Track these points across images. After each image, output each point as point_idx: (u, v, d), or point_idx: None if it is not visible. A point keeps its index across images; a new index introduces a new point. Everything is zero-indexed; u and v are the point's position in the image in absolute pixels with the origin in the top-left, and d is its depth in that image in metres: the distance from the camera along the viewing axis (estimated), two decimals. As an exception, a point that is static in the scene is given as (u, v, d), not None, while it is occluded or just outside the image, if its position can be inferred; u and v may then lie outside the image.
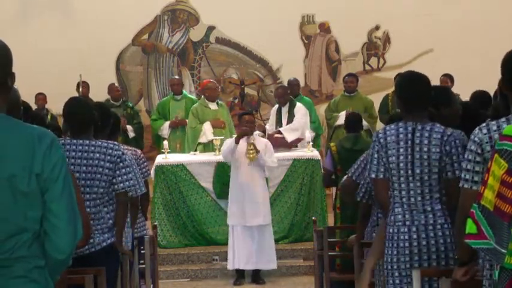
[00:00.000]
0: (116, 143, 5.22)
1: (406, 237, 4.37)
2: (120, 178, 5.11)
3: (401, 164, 4.38)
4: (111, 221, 5.15)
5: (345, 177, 6.28)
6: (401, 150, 4.37)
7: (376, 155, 4.47)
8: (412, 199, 4.39)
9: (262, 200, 8.88)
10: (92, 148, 5.07)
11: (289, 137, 10.34)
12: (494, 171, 3.06)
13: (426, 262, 4.37)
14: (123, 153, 5.14)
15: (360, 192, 6.16)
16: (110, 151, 5.08)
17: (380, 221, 5.98)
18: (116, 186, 5.12)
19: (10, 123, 2.80)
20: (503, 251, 3.02)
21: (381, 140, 4.42)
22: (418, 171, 4.38)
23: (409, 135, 4.40)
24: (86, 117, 5.12)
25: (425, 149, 4.38)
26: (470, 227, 3.14)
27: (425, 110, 4.54)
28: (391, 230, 4.43)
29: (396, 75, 12.22)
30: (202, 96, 10.80)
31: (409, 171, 4.37)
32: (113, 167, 5.08)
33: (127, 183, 5.14)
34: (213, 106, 10.62)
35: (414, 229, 4.37)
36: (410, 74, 4.64)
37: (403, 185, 4.39)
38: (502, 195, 3.02)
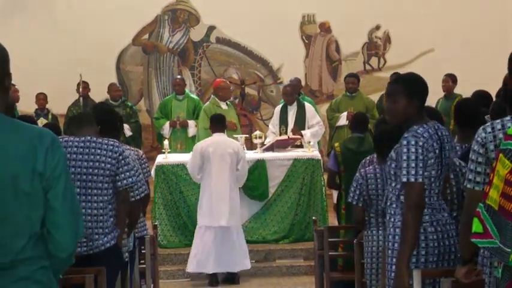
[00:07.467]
0: (116, 140, 5.26)
1: (435, 237, 4.33)
2: (123, 175, 5.16)
3: (434, 165, 4.34)
4: (112, 219, 5.16)
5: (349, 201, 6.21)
6: (437, 151, 4.33)
7: (429, 160, 4.28)
8: (432, 198, 4.37)
9: (229, 200, 8.79)
10: (94, 144, 5.13)
11: (312, 140, 10.28)
12: (499, 171, 3.07)
13: (446, 262, 4.34)
14: (123, 151, 5.21)
15: (354, 195, 6.10)
16: (111, 147, 5.14)
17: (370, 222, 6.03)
18: (119, 184, 5.16)
19: (9, 123, 2.79)
20: (507, 250, 3.03)
21: (425, 145, 4.30)
22: (443, 170, 4.38)
23: (436, 136, 4.37)
24: (87, 115, 5.19)
25: (448, 147, 4.39)
26: (476, 226, 3.15)
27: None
28: None
29: (393, 73, 12.23)
30: (212, 96, 10.68)
31: (439, 171, 4.36)
32: (115, 163, 5.12)
33: (130, 179, 5.19)
34: (223, 106, 10.50)
35: (439, 229, 4.34)
36: (418, 75, 4.48)
37: (427, 186, 4.35)
38: (506, 195, 3.04)
